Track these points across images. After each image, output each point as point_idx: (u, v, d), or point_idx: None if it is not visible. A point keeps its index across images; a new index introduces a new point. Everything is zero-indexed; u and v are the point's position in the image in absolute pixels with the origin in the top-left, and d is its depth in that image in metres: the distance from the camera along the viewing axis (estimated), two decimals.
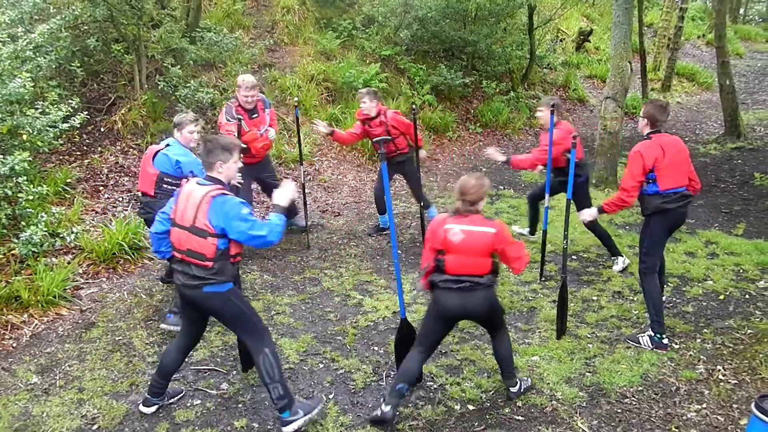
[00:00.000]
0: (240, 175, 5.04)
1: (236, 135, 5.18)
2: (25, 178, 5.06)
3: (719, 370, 4.08)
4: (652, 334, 4.37)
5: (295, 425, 3.38)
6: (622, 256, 5.75)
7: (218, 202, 3.17)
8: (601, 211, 4.51)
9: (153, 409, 3.64)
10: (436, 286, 3.52)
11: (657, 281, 4.40)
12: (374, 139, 6.07)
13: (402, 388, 3.51)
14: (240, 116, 5.37)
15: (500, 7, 11.34)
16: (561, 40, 15.86)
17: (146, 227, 4.94)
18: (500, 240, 3.43)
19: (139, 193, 4.74)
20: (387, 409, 3.43)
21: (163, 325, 4.43)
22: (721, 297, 5.16)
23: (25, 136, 5.27)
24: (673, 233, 6.49)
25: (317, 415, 3.52)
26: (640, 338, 4.42)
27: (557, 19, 14.61)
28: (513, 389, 3.78)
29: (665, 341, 4.36)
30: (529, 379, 3.92)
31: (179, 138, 4.50)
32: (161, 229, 3.47)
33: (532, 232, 6.37)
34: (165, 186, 4.39)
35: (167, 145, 4.49)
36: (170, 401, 3.74)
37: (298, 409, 3.41)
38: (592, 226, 5.56)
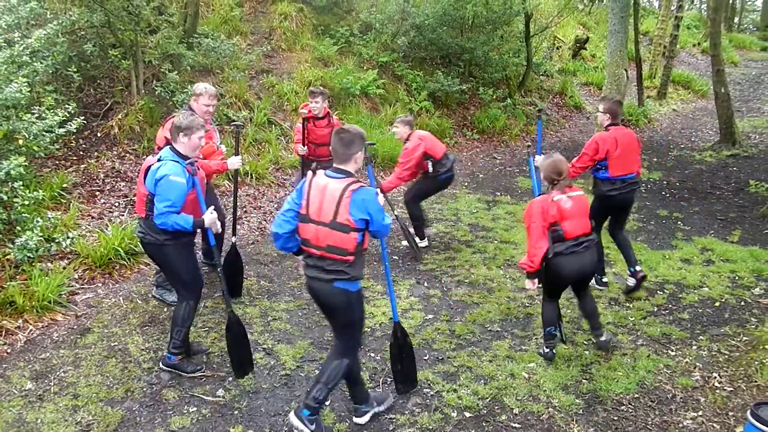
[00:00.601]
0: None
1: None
2: (20, 182, 5.05)
3: (715, 378, 4.09)
4: (598, 276, 5.35)
5: (300, 425, 3.34)
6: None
7: (360, 195, 3.17)
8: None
9: (366, 417, 3.61)
10: (559, 255, 3.98)
11: (598, 237, 5.14)
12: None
13: (551, 330, 4.18)
14: None
15: (497, 14, 11.43)
16: (557, 48, 15.97)
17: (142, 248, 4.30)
18: None
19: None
20: (548, 350, 4.19)
21: (162, 365, 4.13)
22: (717, 304, 5.17)
23: (21, 141, 5.27)
24: (669, 241, 6.64)
25: None
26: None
27: (554, 27, 14.72)
28: (602, 338, 4.25)
29: (605, 280, 5.42)
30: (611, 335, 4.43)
31: (184, 144, 3.81)
32: (289, 229, 3.31)
33: (422, 237, 6.48)
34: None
35: (159, 159, 3.81)
36: (380, 408, 3.68)
37: (316, 420, 3.37)
38: None
